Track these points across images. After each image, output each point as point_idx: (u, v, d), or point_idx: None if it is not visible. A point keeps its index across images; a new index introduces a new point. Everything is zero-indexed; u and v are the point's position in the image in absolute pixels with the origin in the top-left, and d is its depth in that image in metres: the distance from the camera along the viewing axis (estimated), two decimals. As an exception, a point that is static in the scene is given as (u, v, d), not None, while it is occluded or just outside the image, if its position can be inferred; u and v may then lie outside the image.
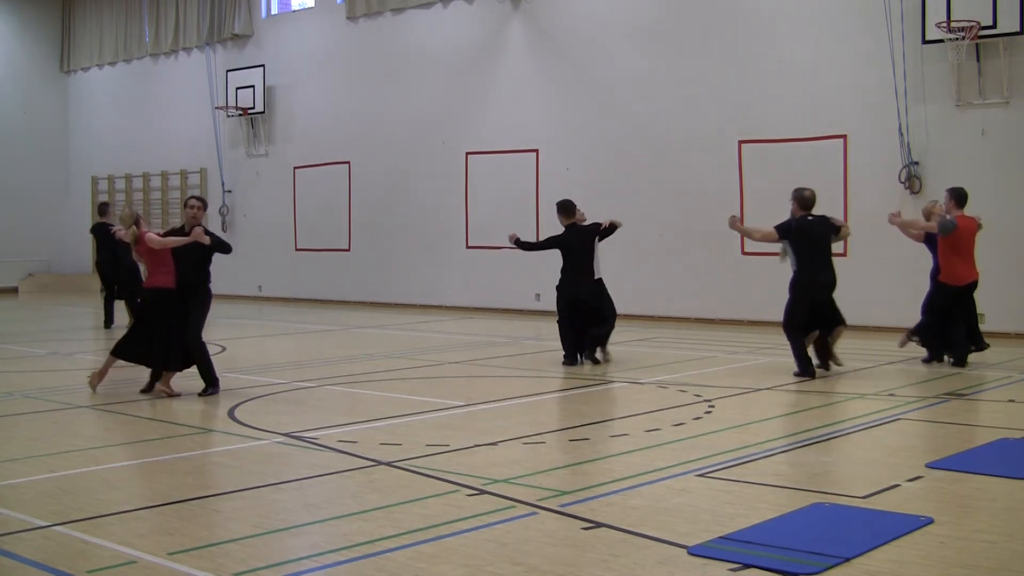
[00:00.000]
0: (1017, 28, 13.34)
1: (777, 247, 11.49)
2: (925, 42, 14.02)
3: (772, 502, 5.53)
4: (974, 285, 11.06)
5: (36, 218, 27.12)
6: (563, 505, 5.50)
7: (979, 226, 11.13)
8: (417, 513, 5.42)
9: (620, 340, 14.04)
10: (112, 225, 15.78)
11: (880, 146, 14.66)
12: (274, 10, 23.39)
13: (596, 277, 11.60)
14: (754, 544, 4.78)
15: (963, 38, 13.51)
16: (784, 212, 15.46)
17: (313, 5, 22.38)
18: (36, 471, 6.55)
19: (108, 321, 16.18)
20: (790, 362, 11.71)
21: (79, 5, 27.46)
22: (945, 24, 13.56)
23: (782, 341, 13.76)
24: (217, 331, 16.94)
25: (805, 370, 10.39)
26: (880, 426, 7.75)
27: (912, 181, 14.41)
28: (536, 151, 18.42)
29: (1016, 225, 13.79)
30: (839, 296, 14.97)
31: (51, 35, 27.92)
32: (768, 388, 9.61)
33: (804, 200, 10.68)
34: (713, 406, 8.59)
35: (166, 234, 9.72)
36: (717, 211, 16.38)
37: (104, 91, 27.13)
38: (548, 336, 14.66)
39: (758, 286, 15.91)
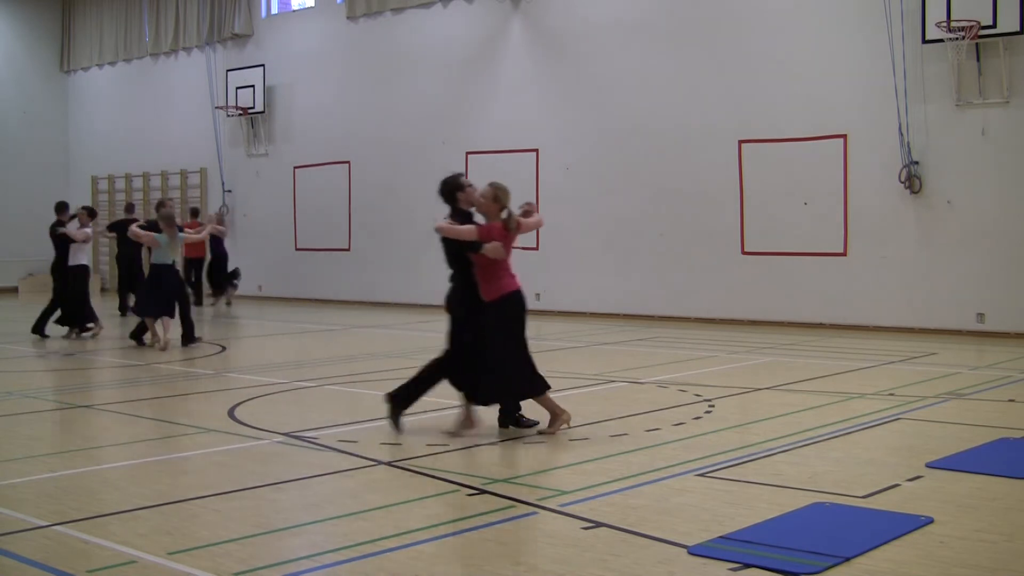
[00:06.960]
0: (1017, 28, 13.33)
1: None
2: (925, 42, 14.01)
3: (772, 502, 5.53)
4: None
5: (36, 218, 26.87)
6: (563, 505, 5.50)
7: None
8: (417, 513, 5.42)
9: (621, 340, 14.07)
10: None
11: (880, 146, 14.65)
12: (274, 10, 23.38)
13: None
14: (754, 544, 4.78)
15: (963, 38, 13.51)
16: (784, 212, 15.61)
17: (313, 5, 22.38)
18: (36, 471, 6.54)
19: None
20: (791, 362, 11.74)
21: (79, 5, 27.45)
22: (945, 24, 13.56)
23: (782, 341, 13.84)
24: (217, 331, 16.96)
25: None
26: (880, 426, 7.74)
27: (912, 181, 14.40)
28: (536, 151, 18.41)
29: (1016, 225, 13.78)
30: (843, 293, 15.15)
31: (51, 35, 27.90)
32: (768, 388, 9.61)
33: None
34: (713, 406, 8.58)
35: None
36: (717, 211, 16.41)
37: (104, 91, 27.13)
38: (548, 336, 14.67)
39: (758, 286, 15.92)
